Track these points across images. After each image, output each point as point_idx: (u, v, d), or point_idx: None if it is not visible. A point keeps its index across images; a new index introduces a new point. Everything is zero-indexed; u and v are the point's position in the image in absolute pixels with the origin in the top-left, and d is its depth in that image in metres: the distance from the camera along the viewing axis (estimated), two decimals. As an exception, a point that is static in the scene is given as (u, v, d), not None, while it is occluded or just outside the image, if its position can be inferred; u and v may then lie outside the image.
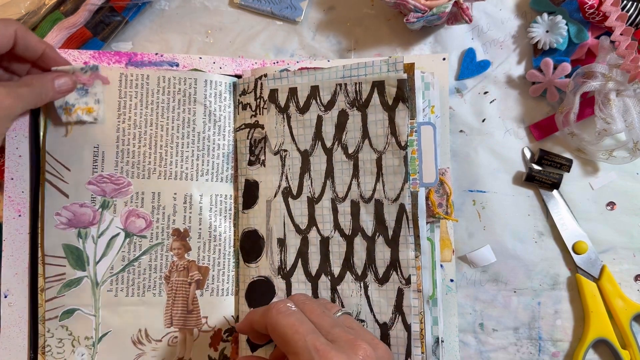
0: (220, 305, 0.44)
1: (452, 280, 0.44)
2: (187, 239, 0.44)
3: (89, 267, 0.43)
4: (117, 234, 0.43)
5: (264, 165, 0.43)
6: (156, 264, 0.43)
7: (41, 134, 0.43)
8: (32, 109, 0.43)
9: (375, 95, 0.41)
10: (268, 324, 0.33)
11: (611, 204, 0.46)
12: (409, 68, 0.40)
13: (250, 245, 0.43)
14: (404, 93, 0.40)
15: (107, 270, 0.43)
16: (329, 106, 0.42)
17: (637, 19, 0.44)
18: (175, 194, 0.44)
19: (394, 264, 0.39)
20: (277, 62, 0.46)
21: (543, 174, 0.45)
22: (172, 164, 0.44)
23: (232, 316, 0.44)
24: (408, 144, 0.40)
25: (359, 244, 0.41)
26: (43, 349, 0.42)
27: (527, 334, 0.46)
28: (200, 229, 0.44)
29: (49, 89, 0.39)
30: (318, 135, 0.42)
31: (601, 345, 0.45)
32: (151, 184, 0.44)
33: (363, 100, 0.41)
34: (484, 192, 0.46)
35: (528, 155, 0.46)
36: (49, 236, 0.42)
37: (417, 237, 0.39)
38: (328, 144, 0.42)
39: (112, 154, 0.43)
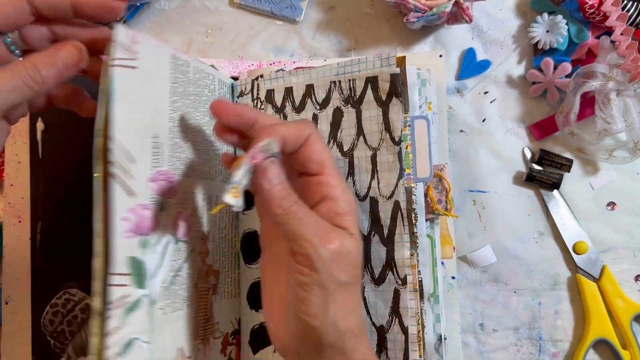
0: (227, 308, 0.42)
1: (453, 278, 0.44)
2: (207, 242, 0.40)
3: (147, 282, 0.33)
4: (169, 241, 0.35)
5: None
6: (190, 272, 0.37)
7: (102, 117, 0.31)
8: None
9: (369, 91, 0.40)
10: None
11: (611, 204, 0.46)
12: (401, 61, 0.39)
13: (250, 247, 0.43)
14: (397, 87, 0.39)
15: (160, 284, 0.34)
16: (323, 104, 0.42)
17: (638, 19, 0.44)
18: (203, 194, 0.39)
19: (390, 263, 0.39)
20: (273, 63, 0.46)
21: (543, 174, 0.45)
22: (202, 164, 0.39)
23: (236, 318, 0.43)
24: (402, 138, 0.39)
25: None
26: None
27: (528, 334, 0.46)
28: (214, 231, 0.41)
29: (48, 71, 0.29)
30: None
31: (601, 345, 0.45)
32: (192, 183, 0.38)
33: (357, 96, 0.40)
34: (484, 192, 0.46)
35: (528, 155, 0.46)
36: (114, 248, 0.30)
37: (412, 234, 0.38)
38: None
39: (167, 146, 0.35)
